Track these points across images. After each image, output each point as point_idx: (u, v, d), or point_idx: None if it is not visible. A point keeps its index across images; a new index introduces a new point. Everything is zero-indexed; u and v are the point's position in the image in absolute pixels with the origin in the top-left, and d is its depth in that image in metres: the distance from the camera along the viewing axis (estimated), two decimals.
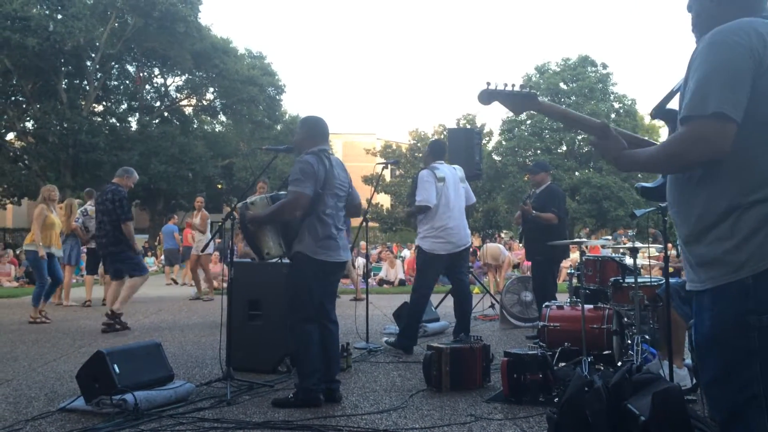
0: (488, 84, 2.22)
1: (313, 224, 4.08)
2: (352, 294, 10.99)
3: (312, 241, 4.07)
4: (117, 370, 3.84)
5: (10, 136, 32.80)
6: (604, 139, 2.02)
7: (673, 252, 6.64)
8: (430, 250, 5.99)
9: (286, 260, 4.36)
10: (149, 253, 24.87)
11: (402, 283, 14.54)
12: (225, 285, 4.67)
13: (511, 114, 38.86)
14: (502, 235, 32.50)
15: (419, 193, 5.95)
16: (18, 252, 20.67)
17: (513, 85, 2.23)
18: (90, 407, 3.82)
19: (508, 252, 13.48)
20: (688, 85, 1.78)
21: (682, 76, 1.89)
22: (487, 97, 2.23)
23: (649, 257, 7.35)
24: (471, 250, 10.45)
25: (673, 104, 2.04)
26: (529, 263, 7.92)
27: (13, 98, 31.45)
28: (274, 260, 4.43)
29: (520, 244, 8.48)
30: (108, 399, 3.76)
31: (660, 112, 2.11)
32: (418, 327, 6.21)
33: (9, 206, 40.28)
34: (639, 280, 4.78)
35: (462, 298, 6.23)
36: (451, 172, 6.15)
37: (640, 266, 5.52)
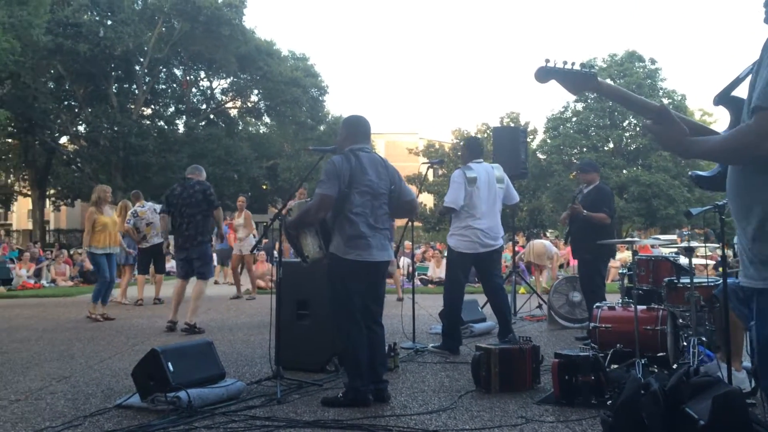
0: (547, 61, 2.16)
1: (342, 224, 4.09)
2: (395, 294, 10.98)
3: (341, 241, 4.08)
4: (171, 368, 3.92)
5: (64, 139, 33.87)
6: (664, 123, 1.93)
7: (730, 252, 6.43)
8: (455, 248, 5.97)
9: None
10: None
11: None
12: (272, 285, 4.71)
13: (555, 111, 38.64)
14: (548, 234, 32.11)
15: (448, 194, 5.96)
16: (72, 252, 21.32)
17: (573, 64, 2.17)
18: (145, 404, 3.90)
19: (556, 249, 13.19)
20: (760, 74, 1.71)
21: (749, 64, 1.82)
22: (545, 74, 2.17)
23: (705, 257, 7.15)
24: (515, 250, 10.35)
25: (738, 92, 1.97)
26: (575, 262, 7.79)
27: (66, 103, 32.46)
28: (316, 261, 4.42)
29: (565, 245, 8.34)
30: (162, 396, 3.84)
31: (724, 99, 2.03)
32: (459, 326, 6.16)
33: (63, 208, 41.62)
34: (695, 280, 4.65)
35: (496, 299, 6.13)
36: (487, 172, 6.06)
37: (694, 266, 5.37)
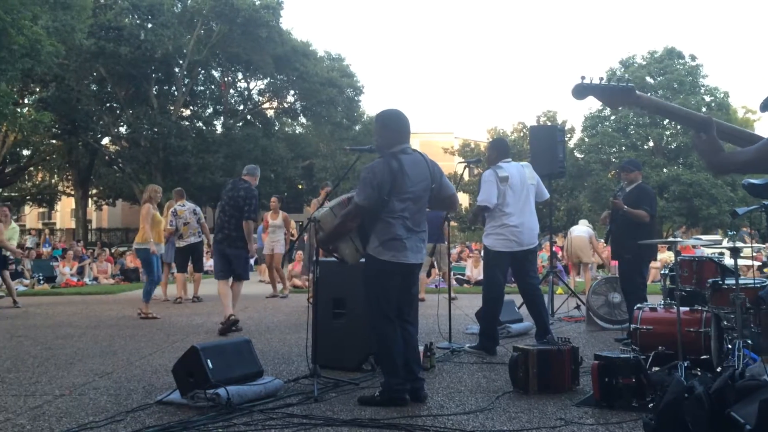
0: (582, 78, 2.15)
1: (379, 226, 4.06)
2: (436, 293, 10.91)
3: (377, 243, 4.06)
4: (210, 365, 3.96)
5: (106, 140, 34.66)
6: (701, 137, 1.92)
7: None
8: (491, 247, 5.91)
9: None
10: None
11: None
12: (308, 284, 4.74)
13: (593, 110, 38.15)
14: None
15: (480, 193, 5.90)
16: (113, 251, 21.79)
17: (609, 79, 2.16)
18: (185, 400, 3.95)
19: (592, 231, 12.40)
20: None
21: None
22: (581, 91, 2.15)
23: (751, 257, 6.97)
24: (552, 250, 10.23)
25: None
26: (615, 263, 7.65)
27: (108, 105, 33.22)
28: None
29: (606, 244, 8.20)
30: (202, 393, 3.88)
31: None
32: (497, 326, 6.11)
33: (105, 207, 42.62)
34: (740, 281, 4.53)
35: (532, 300, 6.06)
36: (518, 170, 5.99)
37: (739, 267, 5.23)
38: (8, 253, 10.58)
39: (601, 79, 2.14)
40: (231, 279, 7.48)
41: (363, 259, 4.23)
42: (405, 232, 4.08)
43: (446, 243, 8.63)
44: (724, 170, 1.92)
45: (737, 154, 1.88)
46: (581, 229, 11.48)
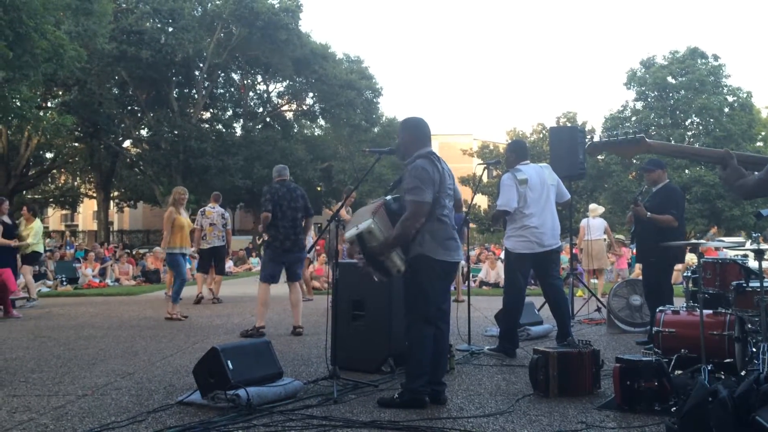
0: (591, 138, 2.26)
1: (434, 226, 4.07)
2: (453, 295, 10.88)
3: (434, 243, 4.07)
4: (231, 366, 3.99)
5: (127, 143, 35.03)
6: (724, 169, 1.97)
7: None
8: (513, 249, 5.88)
9: None
10: (254, 254, 25.80)
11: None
12: (327, 285, 4.74)
13: (614, 110, 37.90)
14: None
15: (500, 197, 5.87)
16: (134, 252, 22.01)
17: (617, 134, 2.23)
18: (206, 401, 3.98)
19: (605, 223, 12.02)
20: None
21: None
22: (594, 150, 2.30)
23: None
24: (573, 252, 10.14)
25: None
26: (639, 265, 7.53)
27: (129, 108, 33.54)
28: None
29: (631, 245, 8.09)
30: (222, 393, 3.91)
31: None
32: (517, 329, 6.07)
33: (126, 209, 43.06)
34: (765, 283, 4.46)
35: (556, 302, 6.01)
36: (537, 172, 5.95)
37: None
38: (39, 251, 10.78)
39: (609, 135, 2.22)
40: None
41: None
42: (454, 231, 4.20)
43: (465, 244, 8.60)
44: (745, 194, 1.96)
45: (753, 178, 1.92)
46: (597, 226, 11.05)
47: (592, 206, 11.68)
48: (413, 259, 4.08)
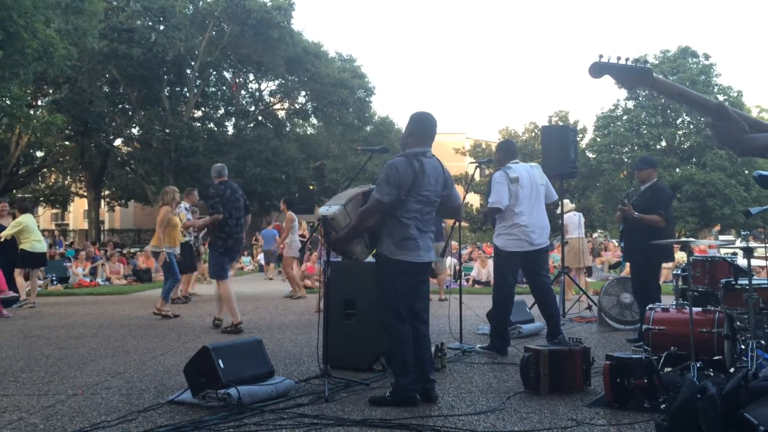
0: (600, 57, 2.15)
1: (392, 226, 4.10)
2: (448, 294, 10.83)
3: (390, 242, 4.09)
4: (222, 365, 3.98)
5: (118, 142, 34.87)
6: (722, 120, 1.90)
7: None
8: (503, 247, 5.89)
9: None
10: (245, 253, 25.74)
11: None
12: (318, 284, 4.75)
13: (605, 109, 37.97)
14: (595, 235, 31.53)
15: (491, 195, 5.87)
16: (125, 251, 21.91)
17: (627, 59, 2.15)
18: (196, 400, 3.97)
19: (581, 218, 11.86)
20: None
21: None
22: (599, 70, 2.15)
23: (765, 257, 6.89)
24: (564, 251, 10.14)
25: None
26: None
27: (120, 106, 33.39)
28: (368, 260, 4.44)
29: (620, 244, 8.12)
30: (213, 393, 3.90)
31: None
32: (507, 327, 6.09)
33: (117, 208, 42.89)
34: (754, 281, 4.49)
35: (544, 300, 6.04)
36: (527, 171, 5.98)
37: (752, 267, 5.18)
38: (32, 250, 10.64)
39: (619, 58, 2.14)
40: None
41: (373, 259, 4.24)
42: (417, 232, 4.13)
43: (443, 242, 8.58)
44: (749, 152, 1.90)
45: (760, 137, 1.86)
46: (573, 219, 10.75)
47: (566, 201, 11.52)
48: (377, 258, 4.16)
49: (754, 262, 4.47)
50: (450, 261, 13.67)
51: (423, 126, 4.26)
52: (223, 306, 7.47)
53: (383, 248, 4.12)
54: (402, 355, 4.05)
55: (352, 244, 4.23)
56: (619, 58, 2.13)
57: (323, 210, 4.35)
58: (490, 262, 15.72)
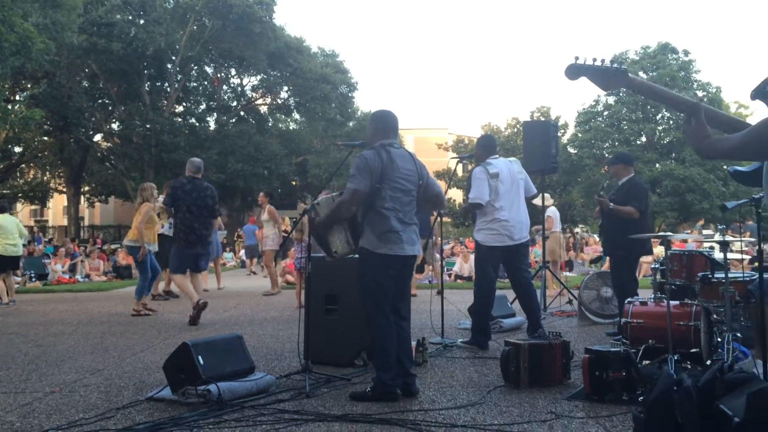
0: (576, 58, 2.15)
1: (373, 219, 4.11)
2: (429, 288, 10.79)
3: (372, 236, 4.10)
4: (201, 361, 3.96)
5: (98, 137, 34.46)
6: (691, 122, 1.94)
7: (766, 246, 6.23)
8: (483, 242, 5.92)
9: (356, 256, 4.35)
10: (227, 249, 25.61)
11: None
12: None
13: (587, 105, 38.20)
14: (576, 230, 31.75)
15: (472, 190, 5.91)
16: (105, 248, 21.70)
17: (603, 60, 2.16)
18: (176, 397, 3.95)
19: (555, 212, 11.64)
20: None
21: None
22: (575, 72, 2.16)
23: (741, 251, 6.99)
24: (545, 246, 10.21)
25: None
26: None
27: (100, 101, 32.99)
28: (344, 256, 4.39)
29: (600, 238, 8.19)
30: (193, 389, 3.87)
31: (760, 93, 2.01)
32: (488, 321, 6.12)
33: (97, 204, 42.43)
34: (730, 275, 4.55)
35: (524, 294, 6.08)
36: (507, 166, 6.02)
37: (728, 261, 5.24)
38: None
39: (595, 60, 2.14)
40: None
41: (356, 255, 4.24)
42: (399, 225, 4.14)
43: (433, 237, 8.61)
44: (711, 155, 1.94)
45: (724, 140, 1.90)
46: (553, 213, 10.75)
47: (546, 196, 11.52)
48: (359, 252, 4.16)
49: (731, 256, 4.53)
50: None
51: (385, 122, 4.33)
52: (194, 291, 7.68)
53: (366, 242, 4.12)
54: (384, 350, 4.06)
55: (331, 234, 4.20)
56: (594, 60, 2.14)
57: (318, 199, 4.47)
58: (473, 257, 15.78)
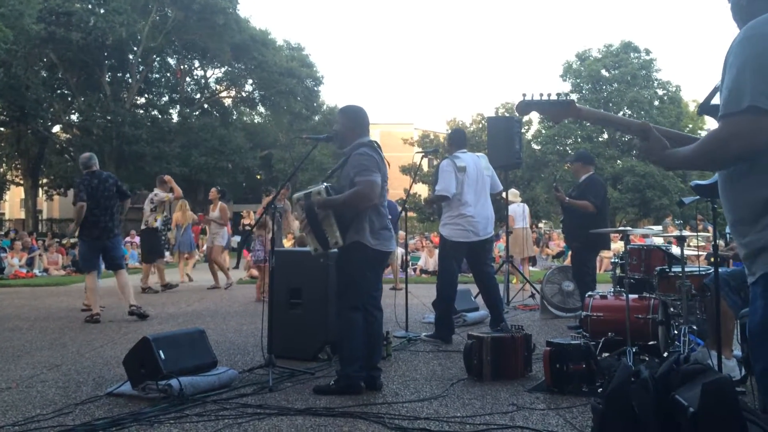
0: (524, 95, 2.29)
1: (372, 215, 4.11)
2: (392, 283, 10.88)
3: (370, 232, 4.09)
4: (162, 356, 3.90)
5: (57, 128, 33.70)
6: (646, 140, 2.02)
7: (722, 241, 6.43)
8: (449, 237, 5.97)
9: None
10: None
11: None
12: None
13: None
14: (540, 225, 32.15)
15: (439, 182, 5.96)
16: (64, 241, 21.24)
17: (549, 95, 2.27)
18: (136, 392, 3.89)
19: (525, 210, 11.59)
20: (724, 83, 1.77)
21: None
22: (525, 107, 2.30)
23: (698, 246, 7.16)
24: (509, 241, 10.31)
25: (718, 100, 2.01)
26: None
27: (58, 92, 32.29)
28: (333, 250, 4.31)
29: (562, 233, 8.32)
30: (154, 384, 3.82)
31: (705, 108, 2.10)
32: (452, 315, 6.17)
33: (56, 197, 41.50)
34: (686, 269, 4.66)
35: (487, 289, 6.15)
36: (474, 161, 6.08)
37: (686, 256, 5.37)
38: None
39: (542, 95, 2.27)
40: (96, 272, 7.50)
41: (335, 249, 4.18)
42: (388, 221, 4.22)
43: (404, 232, 8.66)
44: (672, 165, 2.02)
45: (679, 151, 1.98)
46: (518, 210, 10.90)
47: (515, 191, 11.64)
48: (349, 246, 4.09)
49: (688, 251, 4.64)
50: (398, 251, 13.74)
51: (361, 119, 4.32)
52: (124, 293, 7.50)
53: (362, 237, 4.07)
54: (352, 343, 4.05)
55: (331, 226, 4.06)
56: (541, 95, 2.28)
57: (299, 194, 4.27)
58: (437, 252, 15.86)
